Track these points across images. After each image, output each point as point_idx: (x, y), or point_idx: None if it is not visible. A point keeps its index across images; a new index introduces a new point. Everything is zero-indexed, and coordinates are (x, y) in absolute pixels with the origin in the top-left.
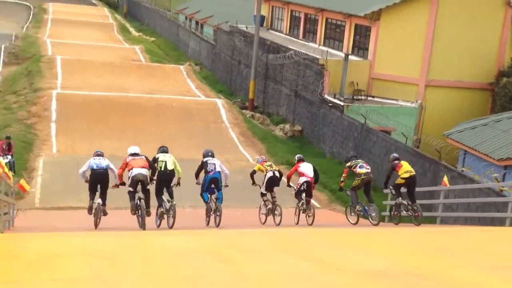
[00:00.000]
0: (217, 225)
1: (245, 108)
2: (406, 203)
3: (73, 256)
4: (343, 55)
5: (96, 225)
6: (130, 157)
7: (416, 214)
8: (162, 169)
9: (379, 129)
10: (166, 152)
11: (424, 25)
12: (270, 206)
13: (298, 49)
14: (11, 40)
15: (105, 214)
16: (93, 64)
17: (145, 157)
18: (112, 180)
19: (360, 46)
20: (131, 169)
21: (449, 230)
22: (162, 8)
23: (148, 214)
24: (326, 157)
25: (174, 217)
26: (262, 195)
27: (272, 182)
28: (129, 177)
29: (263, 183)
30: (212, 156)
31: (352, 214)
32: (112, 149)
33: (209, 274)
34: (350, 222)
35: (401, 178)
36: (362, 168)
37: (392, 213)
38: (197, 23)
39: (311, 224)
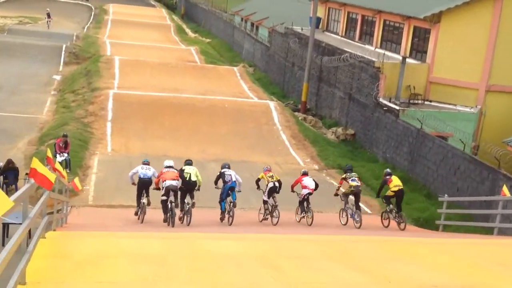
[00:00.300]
0: (230, 224)
1: (298, 111)
2: (394, 211)
3: (120, 258)
4: (400, 58)
5: (141, 220)
6: (165, 169)
7: (401, 221)
8: (187, 179)
9: (436, 134)
10: (191, 164)
11: (486, 28)
12: (270, 209)
13: (354, 51)
14: (72, 40)
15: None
16: (149, 65)
17: (177, 170)
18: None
19: (418, 49)
20: (165, 180)
21: (508, 243)
22: (218, 10)
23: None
24: (379, 162)
25: (190, 216)
26: (264, 201)
27: (272, 191)
28: (162, 187)
29: (264, 191)
30: (229, 168)
31: (343, 215)
32: (165, 149)
33: (257, 281)
34: (341, 222)
35: (391, 191)
36: (354, 181)
37: (383, 218)
38: (252, 24)
39: (311, 225)
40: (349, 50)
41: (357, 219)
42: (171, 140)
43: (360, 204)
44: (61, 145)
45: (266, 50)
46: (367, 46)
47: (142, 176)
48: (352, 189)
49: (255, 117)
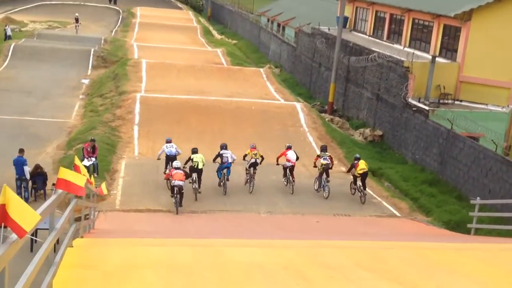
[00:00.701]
0: (224, 193)
1: (324, 112)
2: (359, 189)
3: (148, 268)
4: (429, 57)
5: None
6: (174, 171)
7: (363, 196)
8: (195, 167)
9: (467, 135)
10: (197, 153)
11: None
12: (248, 177)
13: (382, 51)
14: (100, 44)
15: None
16: (176, 67)
17: (184, 171)
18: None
19: (449, 48)
20: (174, 180)
21: None
22: (244, 11)
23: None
24: (408, 163)
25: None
26: (246, 171)
27: (253, 165)
28: (171, 186)
29: (247, 164)
30: (226, 148)
31: (316, 183)
32: (191, 152)
33: None
34: (315, 188)
35: (357, 173)
36: (325, 160)
37: (351, 189)
38: (278, 25)
39: (292, 193)
40: (377, 50)
41: (326, 190)
42: (197, 143)
43: (367, 189)
44: (89, 149)
45: (293, 51)
46: (395, 46)
47: (168, 153)
48: (323, 166)
49: (281, 118)
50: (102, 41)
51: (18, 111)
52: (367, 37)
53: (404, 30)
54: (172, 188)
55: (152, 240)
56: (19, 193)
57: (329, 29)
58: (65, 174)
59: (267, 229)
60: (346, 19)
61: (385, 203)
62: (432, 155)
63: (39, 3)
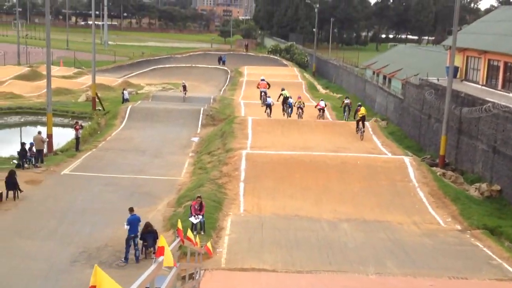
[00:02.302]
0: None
1: (435, 165)
2: (362, 129)
3: None
4: None
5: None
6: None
7: (362, 134)
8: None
9: None
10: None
11: None
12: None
13: (497, 100)
14: (209, 103)
15: None
16: (281, 123)
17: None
18: None
19: None
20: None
21: None
22: (349, 65)
23: None
24: None
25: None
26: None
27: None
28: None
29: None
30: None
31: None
32: (296, 208)
33: None
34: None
35: (358, 116)
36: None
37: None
38: (384, 77)
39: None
40: (492, 100)
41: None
42: (302, 199)
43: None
44: (196, 207)
45: (400, 103)
46: (511, 95)
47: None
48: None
49: (389, 173)
50: (211, 100)
51: (133, 170)
52: (479, 86)
53: None
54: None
55: None
56: (128, 251)
57: (438, 79)
58: (165, 243)
59: None
60: (456, 69)
61: (506, 265)
62: None
63: (154, 67)
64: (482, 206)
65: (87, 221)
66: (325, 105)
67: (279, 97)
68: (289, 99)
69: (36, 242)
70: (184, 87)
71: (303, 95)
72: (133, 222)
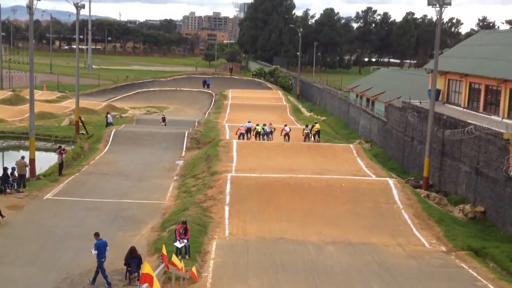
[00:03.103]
0: None
1: (419, 187)
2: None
3: None
4: None
5: None
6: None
7: (317, 140)
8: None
9: None
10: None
11: None
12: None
13: (479, 123)
14: (194, 126)
15: None
16: (265, 146)
17: None
18: None
19: None
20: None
21: None
22: (333, 88)
23: None
24: None
25: None
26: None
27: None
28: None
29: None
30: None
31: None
32: (281, 232)
33: None
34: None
35: (314, 130)
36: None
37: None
38: (368, 100)
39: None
40: (474, 122)
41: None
42: (287, 222)
43: None
44: (181, 231)
45: (383, 125)
46: (493, 117)
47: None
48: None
49: (373, 195)
50: (196, 123)
51: (117, 194)
52: (461, 109)
53: (502, 100)
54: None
55: None
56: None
57: (420, 102)
58: (149, 270)
59: None
60: (438, 91)
61: (491, 287)
62: None
63: (138, 91)
64: (466, 228)
65: (69, 247)
66: (290, 130)
67: (254, 131)
68: (265, 128)
69: (17, 269)
70: (164, 119)
71: (287, 118)
72: (101, 246)
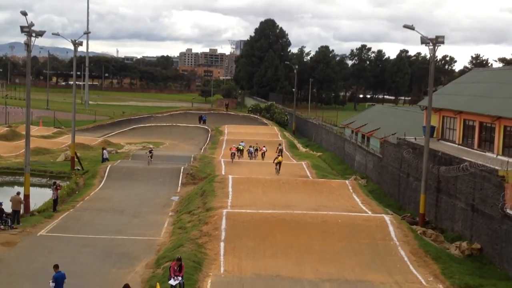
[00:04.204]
0: None
1: (415, 224)
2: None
3: None
4: None
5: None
6: None
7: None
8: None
9: None
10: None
11: None
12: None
13: (474, 160)
14: (190, 162)
15: None
16: (261, 182)
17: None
18: None
19: None
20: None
21: None
22: (328, 124)
23: None
24: None
25: None
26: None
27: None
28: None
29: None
30: None
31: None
32: (277, 269)
33: None
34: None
35: (277, 161)
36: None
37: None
38: (363, 136)
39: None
40: (468, 159)
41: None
42: (283, 259)
43: None
44: (175, 268)
45: (379, 161)
46: (487, 154)
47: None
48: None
49: (369, 232)
50: (192, 159)
51: (111, 230)
52: (456, 145)
53: (496, 137)
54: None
55: None
56: None
57: (415, 139)
58: None
59: None
60: (433, 128)
61: None
62: None
63: (135, 126)
64: (463, 265)
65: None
66: (266, 150)
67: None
68: (250, 148)
69: None
70: (151, 151)
71: (283, 154)
72: (59, 279)
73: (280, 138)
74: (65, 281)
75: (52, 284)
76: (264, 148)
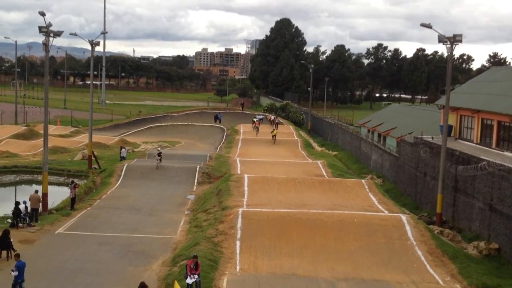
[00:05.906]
0: None
1: (432, 223)
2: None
3: None
4: None
5: None
6: None
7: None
8: None
9: None
10: None
11: None
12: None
13: (492, 159)
14: (205, 161)
15: None
16: (277, 181)
17: None
18: None
19: None
20: None
21: None
22: (344, 123)
23: None
24: None
25: None
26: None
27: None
28: None
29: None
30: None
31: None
32: (293, 268)
33: None
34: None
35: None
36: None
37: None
38: (379, 135)
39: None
40: (487, 158)
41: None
42: (299, 258)
43: None
44: (192, 266)
45: (395, 161)
46: (506, 153)
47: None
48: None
49: (386, 231)
50: (208, 158)
51: (128, 228)
52: (474, 145)
53: None
54: None
55: None
56: None
57: (432, 138)
58: None
59: None
60: (450, 127)
61: None
62: None
63: (151, 125)
64: (481, 265)
65: (79, 282)
66: (275, 119)
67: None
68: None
69: None
70: (159, 154)
71: (298, 153)
72: (21, 267)
73: (296, 137)
74: (25, 269)
75: (15, 273)
76: (272, 117)
